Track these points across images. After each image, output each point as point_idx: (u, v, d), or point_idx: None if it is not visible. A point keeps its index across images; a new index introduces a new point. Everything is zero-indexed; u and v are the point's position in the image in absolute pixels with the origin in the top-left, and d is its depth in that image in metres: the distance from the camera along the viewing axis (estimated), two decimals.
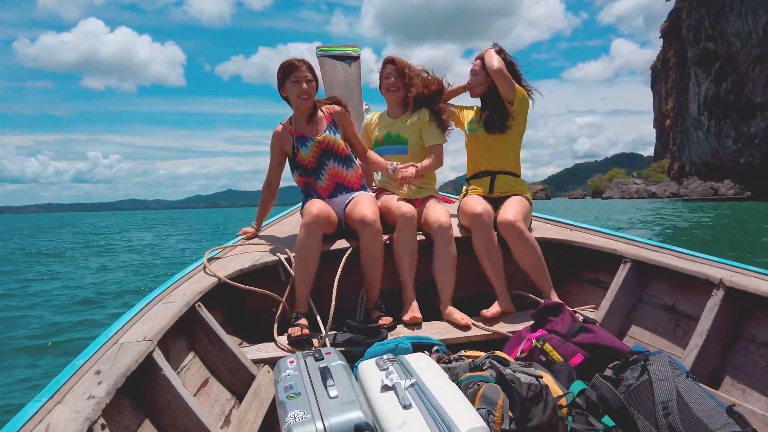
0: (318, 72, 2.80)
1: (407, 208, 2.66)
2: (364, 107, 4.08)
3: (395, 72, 3.03)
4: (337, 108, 2.87)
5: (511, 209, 2.70)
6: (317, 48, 4.24)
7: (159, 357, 1.66)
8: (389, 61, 3.06)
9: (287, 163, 2.89)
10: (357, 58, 4.23)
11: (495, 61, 2.79)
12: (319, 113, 2.84)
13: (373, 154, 2.97)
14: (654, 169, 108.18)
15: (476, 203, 2.72)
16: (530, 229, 2.92)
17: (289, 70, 2.68)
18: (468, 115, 3.10)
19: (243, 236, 2.98)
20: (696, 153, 58.07)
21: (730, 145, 49.28)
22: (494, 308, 2.59)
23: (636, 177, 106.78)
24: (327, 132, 2.79)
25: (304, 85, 2.66)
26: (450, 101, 3.15)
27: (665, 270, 2.34)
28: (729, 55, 46.08)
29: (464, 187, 3.12)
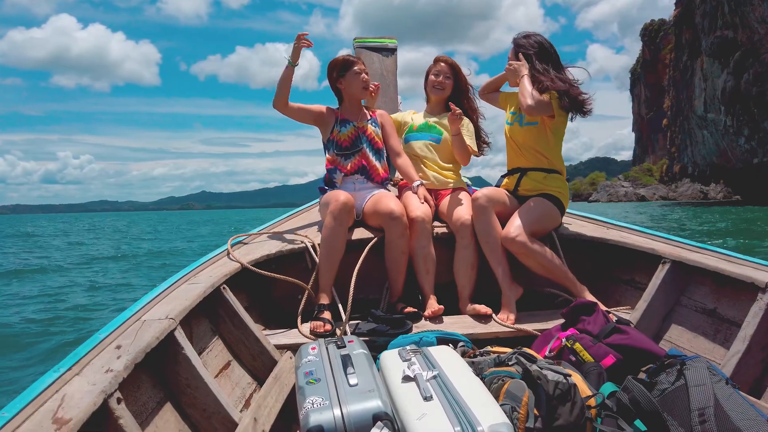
0: None
1: (421, 211, 2.63)
2: (399, 101, 4.05)
3: (445, 71, 3.05)
4: (382, 111, 3.07)
5: (515, 221, 2.57)
6: (354, 39, 4.25)
7: (181, 336, 1.66)
8: (441, 60, 3.07)
9: (323, 145, 2.95)
10: (394, 50, 4.21)
11: (528, 99, 2.58)
12: (365, 110, 3.00)
13: (405, 161, 2.95)
14: (635, 171, 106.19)
15: (481, 190, 2.66)
16: (561, 227, 2.83)
17: (348, 65, 2.86)
18: (510, 107, 2.97)
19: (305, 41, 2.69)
20: (700, 153, 53.35)
21: (742, 144, 44.76)
22: (502, 312, 2.52)
23: (623, 180, 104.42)
24: (369, 123, 2.93)
25: (365, 76, 2.86)
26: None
27: (706, 272, 2.23)
28: (750, 44, 41.30)
29: None
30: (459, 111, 2.75)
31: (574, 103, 2.65)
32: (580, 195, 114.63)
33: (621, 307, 2.58)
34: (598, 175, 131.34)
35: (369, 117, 2.97)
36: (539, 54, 2.71)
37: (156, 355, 1.53)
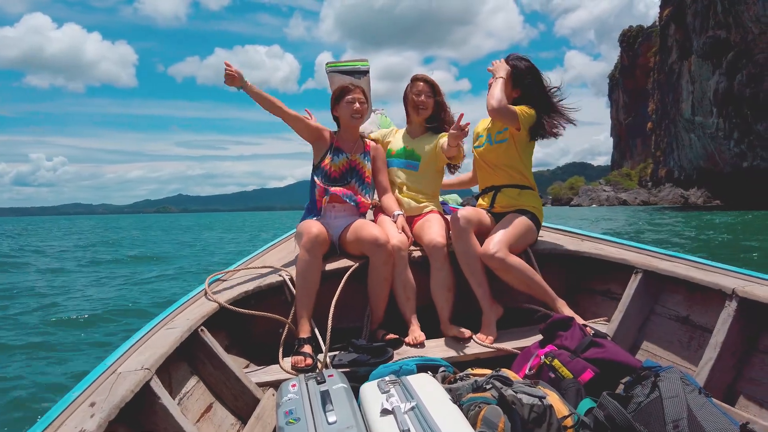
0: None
1: (398, 240, 2.66)
2: (381, 110, 4.04)
3: (426, 90, 3.02)
4: (376, 144, 3.08)
5: (494, 237, 2.61)
6: (326, 64, 4.27)
7: (157, 385, 1.65)
8: (420, 79, 3.04)
9: (312, 170, 2.95)
10: (366, 72, 4.24)
11: (494, 100, 2.67)
12: (360, 140, 3.02)
13: (389, 198, 3.00)
14: (615, 176, 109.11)
15: (460, 211, 2.69)
16: (536, 242, 2.86)
17: (343, 93, 2.90)
18: (476, 133, 3.06)
19: (231, 70, 2.68)
20: (687, 157, 52.10)
21: (732, 148, 43.49)
22: (482, 332, 2.53)
23: (604, 184, 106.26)
24: (361, 156, 2.95)
25: (357, 105, 2.87)
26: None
27: (678, 280, 2.27)
28: (744, 44, 40.18)
29: None
30: (465, 125, 2.63)
31: (544, 131, 2.79)
32: (559, 199, 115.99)
33: (598, 319, 2.61)
34: (577, 179, 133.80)
35: (363, 149, 2.99)
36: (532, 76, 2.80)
37: (132, 408, 1.53)
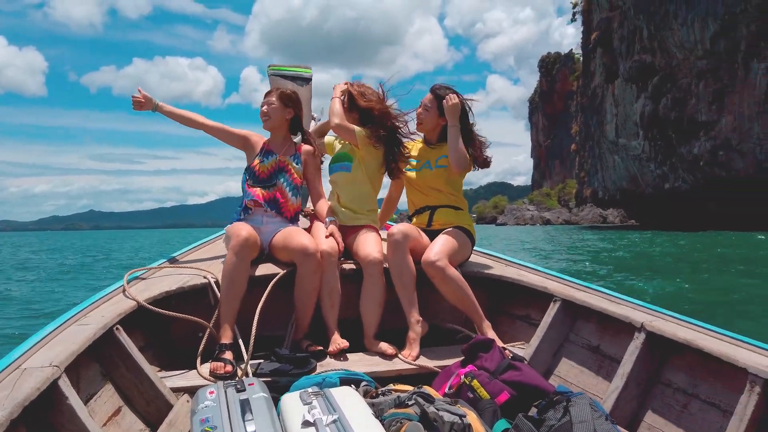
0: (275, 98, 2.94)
1: (328, 245, 2.65)
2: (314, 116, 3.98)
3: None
4: (309, 147, 3.07)
5: (435, 247, 2.68)
6: (269, 66, 4.19)
7: (65, 384, 1.55)
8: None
9: (244, 172, 2.96)
10: (309, 79, 4.20)
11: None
12: (292, 143, 3.04)
13: (322, 204, 3.00)
14: (535, 196, 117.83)
15: (397, 225, 2.74)
16: (465, 262, 2.94)
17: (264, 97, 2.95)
18: (412, 154, 3.05)
19: (138, 96, 2.78)
20: (610, 179, 52.80)
21: (654, 170, 44.32)
22: (406, 349, 2.55)
23: (528, 203, 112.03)
24: (291, 158, 2.95)
25: (264, 108, 2.91)
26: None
27: (592, 311, 2.40)
28: (669, 69, 41.26)
29: None
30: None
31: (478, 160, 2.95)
32: (483, 218, 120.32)
33: (517, 342, 2.71)
34: (501, 198, 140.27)
35: (294, 152, 2.98)
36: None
37: (37, 407, 1.42)
